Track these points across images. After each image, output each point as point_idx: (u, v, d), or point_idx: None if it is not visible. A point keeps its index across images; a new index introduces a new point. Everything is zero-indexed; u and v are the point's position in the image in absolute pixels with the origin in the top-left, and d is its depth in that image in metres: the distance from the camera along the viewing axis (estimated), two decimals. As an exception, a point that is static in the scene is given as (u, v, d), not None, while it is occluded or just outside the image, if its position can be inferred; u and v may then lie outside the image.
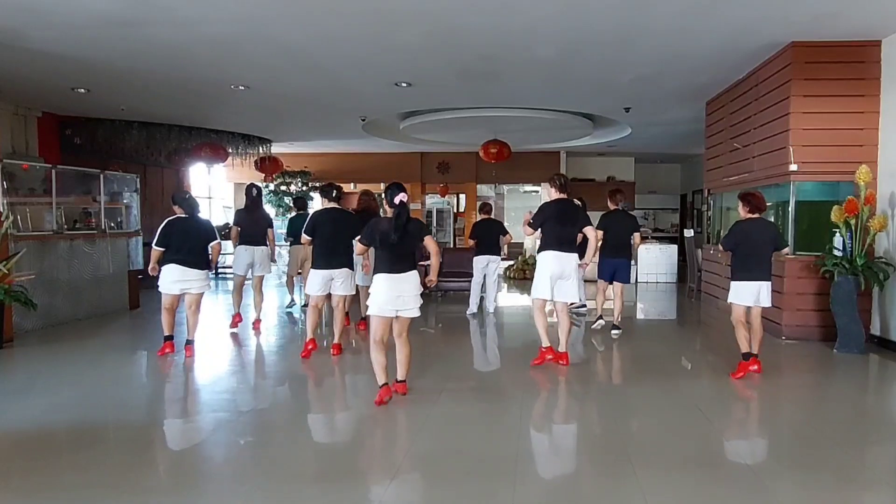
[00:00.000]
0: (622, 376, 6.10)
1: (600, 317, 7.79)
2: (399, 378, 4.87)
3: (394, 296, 4.64)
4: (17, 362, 6.22)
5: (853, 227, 6.35)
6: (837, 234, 6.53)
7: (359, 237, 5.00)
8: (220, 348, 6.98)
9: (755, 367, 5.57)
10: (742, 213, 5.70)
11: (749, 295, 5.52)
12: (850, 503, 3.33)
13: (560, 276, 5.74)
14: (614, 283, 7.61)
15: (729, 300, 5.67)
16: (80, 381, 5.56)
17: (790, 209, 7.04)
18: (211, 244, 6.31)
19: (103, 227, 8.85)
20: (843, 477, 3.58)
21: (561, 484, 3.50)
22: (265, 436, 4.32)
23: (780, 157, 7.06)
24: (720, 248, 5.95)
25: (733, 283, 5.62)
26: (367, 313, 4.87)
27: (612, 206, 7.66)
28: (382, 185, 17.21)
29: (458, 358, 6.57)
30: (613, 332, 7.33)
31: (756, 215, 5.63)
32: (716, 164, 9.37)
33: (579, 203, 8.80)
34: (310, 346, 6.25)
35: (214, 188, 17.04)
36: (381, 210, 7.42)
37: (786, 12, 5.93)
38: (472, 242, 8.95)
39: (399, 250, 4.70)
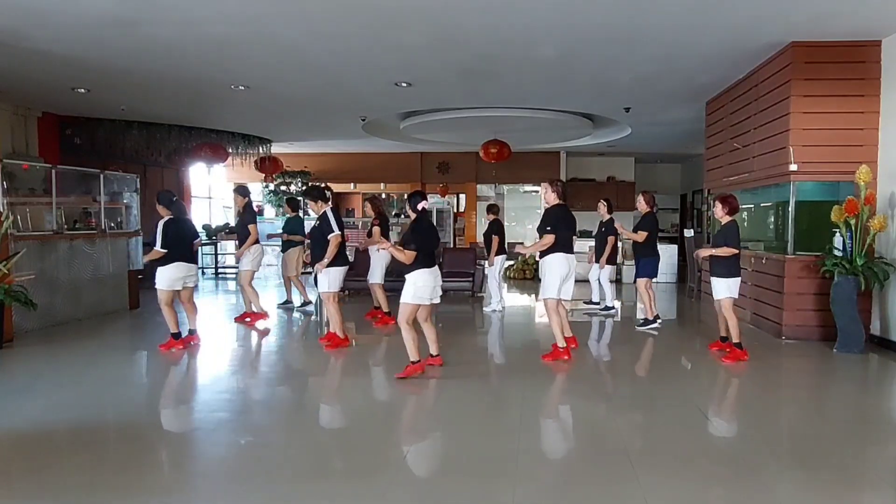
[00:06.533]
0: (622, 376, 6.09)
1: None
2: (434, 353, 5.64)
3: (432, 286, 5.40)
4: (17, 362, 6.22)
5: (853, 227, 6.35)
6: (837, 234, 6.54)
7: (407, 241, 5.38)
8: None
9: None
10: (722, 213, 6.11)
11: (738, 289, 6.07)
12: (850, 503, 3.33)
13: (567, 277, 6.01)
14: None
15: (727, 295, 6.01)
16: (80, 381, 5.56)
17: (790, 209, 7.04)
18: (195, 241, 6.80)
19: (103, 227, 8.85)
20: (843, 477, 3.58)
21: (560, 484, 3.50)
22: (263, 434, 4.32)
23: (780, 157, 7.06)
24: (725, 249, 6.06)
25: (732, 280, 6.00)
26: (408, 301, 5.36)
27: (649, 209, 8.01)
28: (382, 186, 17.31)
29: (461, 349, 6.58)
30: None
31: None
32: (716, 164, 9.36)
33: (605, 203, 8.79)
34: (345, 345, 6.56)
35: (214, 188, 17.04)
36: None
37: (786, 12, 5.93)
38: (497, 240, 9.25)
39: (434, 248, 5.51)
